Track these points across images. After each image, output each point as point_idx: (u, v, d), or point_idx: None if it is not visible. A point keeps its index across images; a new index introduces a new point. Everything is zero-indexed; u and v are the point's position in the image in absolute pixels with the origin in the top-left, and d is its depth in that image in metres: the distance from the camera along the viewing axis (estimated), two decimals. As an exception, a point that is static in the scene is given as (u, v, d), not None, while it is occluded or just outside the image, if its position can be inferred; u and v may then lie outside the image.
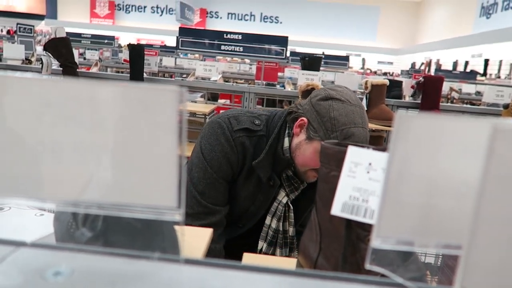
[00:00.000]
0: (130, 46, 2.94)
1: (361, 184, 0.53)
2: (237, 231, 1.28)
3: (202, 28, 13.09)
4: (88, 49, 6.01)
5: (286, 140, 1.17)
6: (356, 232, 0.59)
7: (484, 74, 7.59)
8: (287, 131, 1.18)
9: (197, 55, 7.97)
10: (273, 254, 1.21)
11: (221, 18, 14.80)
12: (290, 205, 1.21)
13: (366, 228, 0.58)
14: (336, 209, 0.53)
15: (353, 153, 0.55)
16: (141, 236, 0.49)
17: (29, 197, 0.37)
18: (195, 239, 0.78)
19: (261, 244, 1.22)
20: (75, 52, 3.73)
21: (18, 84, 0.34)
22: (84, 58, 6.00)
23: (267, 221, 1.22)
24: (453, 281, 0.27)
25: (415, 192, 0.34)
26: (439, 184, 0.34)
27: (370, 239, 0.61)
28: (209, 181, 1.15)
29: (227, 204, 1.21)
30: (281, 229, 1.21)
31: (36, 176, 0.36)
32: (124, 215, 0.36)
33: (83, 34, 6.10)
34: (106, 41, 6.09)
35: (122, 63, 5.99)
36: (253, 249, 1.23)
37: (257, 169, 1.16)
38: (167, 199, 0.36)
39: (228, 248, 1.24)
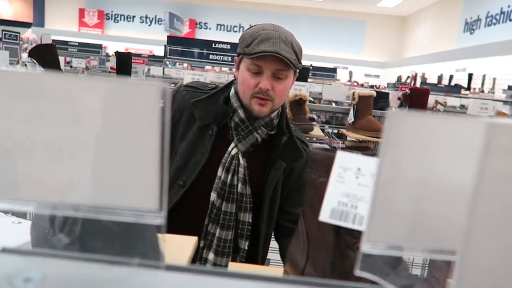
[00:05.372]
0: (118, 54, 2.92)
1: (350, 190, 0.52)
2: (178, 191, 1.21)
3: (191, 37, 13.11)
4: (75, 57, 5.95)
5: (232, 88, 1.23)
6: (345, 239, 0.57)
7: (468, 88, 7.73)
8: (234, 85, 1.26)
9: (185, 65, 7.96)
10: (220, 207, 1.19)
11: (210, 29, 14.85)
12: (240, 158, 1.20)
13: (355, 235, 0.57)
14: (325, 215, 0.52)
15: (341, 157, 0.53)
16: (121, 241, 0.47)
17: (2, 199, 0.35)
18: (179, 247, 0.76)
19: (213, 196, 1.21)
20: (61, 60, 3.69)
21: (-10, 78, 0.32)
22: (71, 66, 5.93)
23: (219, 172, 1.21)
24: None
25: (406, 195, 0.33)
26: (430, 187, 0.32)
27: (359, 246, 0.59)
28: None
29: None
30: (228, 181, 1.19)
31: (9, 176, 0.34)
32: (103, 217, 0.34)
33: (70, 42, 6.05)
34: (93, 49, 6.04)
35: (109, 72, 5.95)
36: (200, 229, 1.20)
37: (194, 108, 1.20)
38: (148, 201, 0.34)
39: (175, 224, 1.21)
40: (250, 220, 1.21)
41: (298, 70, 1.24)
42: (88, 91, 0.32)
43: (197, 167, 1.20)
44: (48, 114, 0.32)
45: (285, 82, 1.19)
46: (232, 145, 1.21)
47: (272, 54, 1.10)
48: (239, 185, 1.20)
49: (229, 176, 1.19)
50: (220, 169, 1.20)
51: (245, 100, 1.19)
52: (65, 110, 0.32)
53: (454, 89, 6.61)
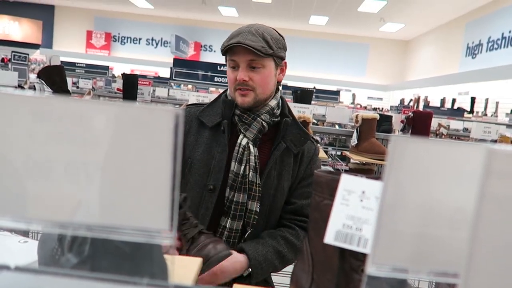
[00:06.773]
0: (124, 75, 2.97)
1: (354, 212, 0.53)
2: (211, 197, 1.22)
3: (196, 60, 13.32)
4: (82, 78, 6.05)
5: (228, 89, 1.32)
6: (350, 262, 0.58)
7: (471, 111, 7.76)
8: None
9: (190, 86, 8.06)
10: (232, 199, 1.21)
11: (215, 51, 15.10)
12: (251, 147, 1.23)
13: (359, 258, 0.57)
14: (329, 238, 0.53)
15: (346, 181, 0.54)
16: (130, 261, 0.48)
17: (15, 218, 0.36)
18: (184, 269, 0.76)
19: (228, 191, 1.23)
20: (69, 81, 3.75)
21: (8, 100, 0.34)
22: (77, 87, 6.03)
23: (231, 166, 1.23)
24: (451, 309, 0.26)
25: (410, 218, 0.34)
26: (434, 211, 0.33)
27: (363, 269, 0.59)
28: None
29: None
30: (240, 172, 1.21)
31: (23, 195, 0.35)
32: (114, 237, 0.35)
33: (77, 63, 6.17)
34: (100, 70, 6.15)
35: (115, 93, 6.03)
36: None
37: (202, 117, 1.26)
38: (159, 221, 0.35)
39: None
40: (258, 210, 1.23)
41: (284, 61, 1.30)
42: (104, 115, 0.34)
43: (221, 167, 1.22)
44: (67, 137, 0.34)
45: (263, 71, 1.23)
46: (241, 136, 1.25)
47: (235, 44, 1.17)
48: (250, 173, 1.22)
49: (242, 167, 1.22)
50: (232, 163, 1.23)
51: (231, 94, 1.27)
52: (81, 133, 0.34)
53: (457, 112, 6.64)
